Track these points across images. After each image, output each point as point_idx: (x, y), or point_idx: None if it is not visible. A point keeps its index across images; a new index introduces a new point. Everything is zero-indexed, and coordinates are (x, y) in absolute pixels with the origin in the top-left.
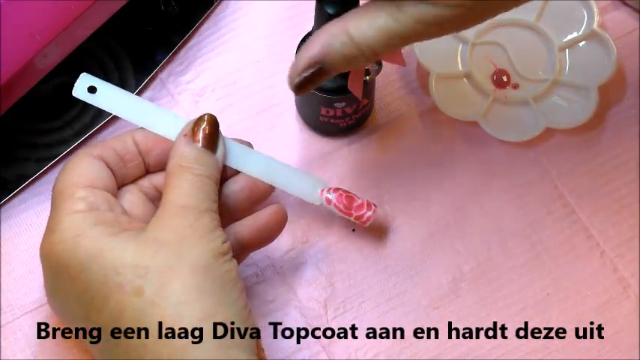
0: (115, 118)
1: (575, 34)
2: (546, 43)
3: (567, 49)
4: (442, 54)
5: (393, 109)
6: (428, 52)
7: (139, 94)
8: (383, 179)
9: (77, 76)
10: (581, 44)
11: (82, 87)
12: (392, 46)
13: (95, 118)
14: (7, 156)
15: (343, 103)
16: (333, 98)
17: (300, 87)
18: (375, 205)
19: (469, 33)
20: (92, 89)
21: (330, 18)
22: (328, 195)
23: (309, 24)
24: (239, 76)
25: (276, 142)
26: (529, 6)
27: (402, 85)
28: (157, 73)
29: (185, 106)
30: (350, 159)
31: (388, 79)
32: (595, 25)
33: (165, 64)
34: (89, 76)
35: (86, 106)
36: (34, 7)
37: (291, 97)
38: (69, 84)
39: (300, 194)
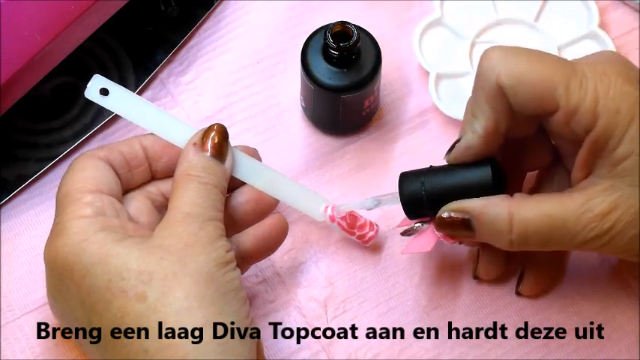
0: (115, 119)
1: (575, 34)
2: (546, 43)
3: (567, 49)
4: (442, 53)
5: (393, 109)
6: (428, 51)
7: (139, 94)
8: (383, 179)
9: (77, 76)
10: (580, 44)
11: (94, 88)
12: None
13: (95, 119)
14: (7, 156)
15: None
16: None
17: (441, 224)
18: (377, 226)
19: (469, 32)
20: (104, 91)
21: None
22: (332, 212)
23: (309, 24)
24: (239, 76)
25: (276, 142)
26: (529, 5)
27: (402, 85)
28: (157, 73)
29: (185, 106)
30: (350, 159)
31: (388, 79)
32: (595, 25)
33: (166, 64)
34: (102, 77)
35: (86, 106)
36: (34, 7)
37: (291, 97)
38: (69, 84)
39: (305, 210)
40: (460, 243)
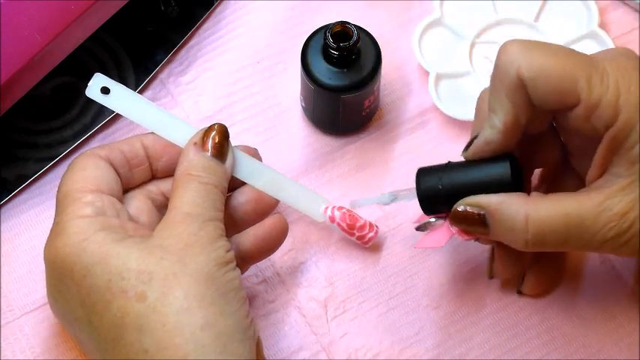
0: (115, 118)
1: (575, 34)
2: None
3: None
4: (442, 53)
5: (393, 109)
6: (427, 51)
7: (139, 94)
8: (383, 179)
9: (77, 76)
10: (581, 44)
11: (95, 87)
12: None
13: (95, 119)
14: (7, 156)
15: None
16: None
17: (456, 217)
18: (376, 227)
19: (469, 32)
20: (105, 90)
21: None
22: (332, 213)
23: (309, 24)
24: (239, 76)
25: (276, 142)
26: (529, 5)
27: (402, 85)
28: (157, 73)
29: (185, 107)
30: (350, 159)
31: (388, 79)
32: (595, 25)
33: (166, 64)
34: (103, 76)
35: (86, 106)
36: (34, 7)
37: (291, 97)
38: (69, 84)
39: (305, 210)
40: (476, 240)
